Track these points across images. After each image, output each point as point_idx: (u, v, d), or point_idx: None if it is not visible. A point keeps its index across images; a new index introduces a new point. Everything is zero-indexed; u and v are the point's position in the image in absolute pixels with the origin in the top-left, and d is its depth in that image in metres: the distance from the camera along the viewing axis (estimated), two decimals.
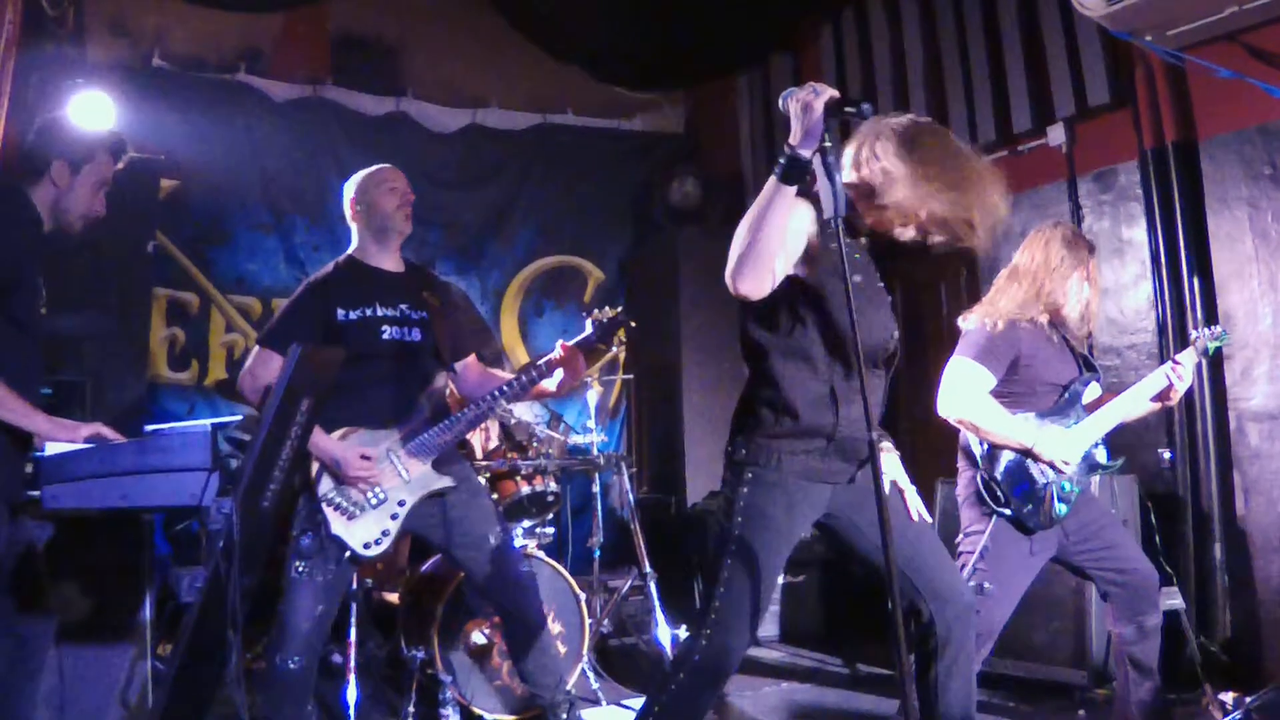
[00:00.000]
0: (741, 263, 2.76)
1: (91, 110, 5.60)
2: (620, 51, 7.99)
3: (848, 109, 2.67)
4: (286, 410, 3.15)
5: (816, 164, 2.70)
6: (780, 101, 2.75)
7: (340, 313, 3.97)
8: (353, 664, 4.62)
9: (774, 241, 2.76)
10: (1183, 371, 4.14)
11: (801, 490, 3.03)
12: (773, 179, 2.73)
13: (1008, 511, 3.87)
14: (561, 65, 8.19)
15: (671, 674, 3.07)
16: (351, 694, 4.58)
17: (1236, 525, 5.25)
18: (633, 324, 4.24)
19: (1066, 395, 4.02)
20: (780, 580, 6.62)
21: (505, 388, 4.04)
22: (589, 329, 4.18)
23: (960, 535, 4.04)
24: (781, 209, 2.74)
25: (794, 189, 2.72)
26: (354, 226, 4.18)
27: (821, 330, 2.99)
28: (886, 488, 3.13)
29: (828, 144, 2.67)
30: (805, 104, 2.68)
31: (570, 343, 4.09)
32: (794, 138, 2.69)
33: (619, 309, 4.20)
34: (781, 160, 2.71)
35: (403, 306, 4.08)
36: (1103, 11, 5.06)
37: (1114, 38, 5.45)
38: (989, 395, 3.93)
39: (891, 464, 3.27)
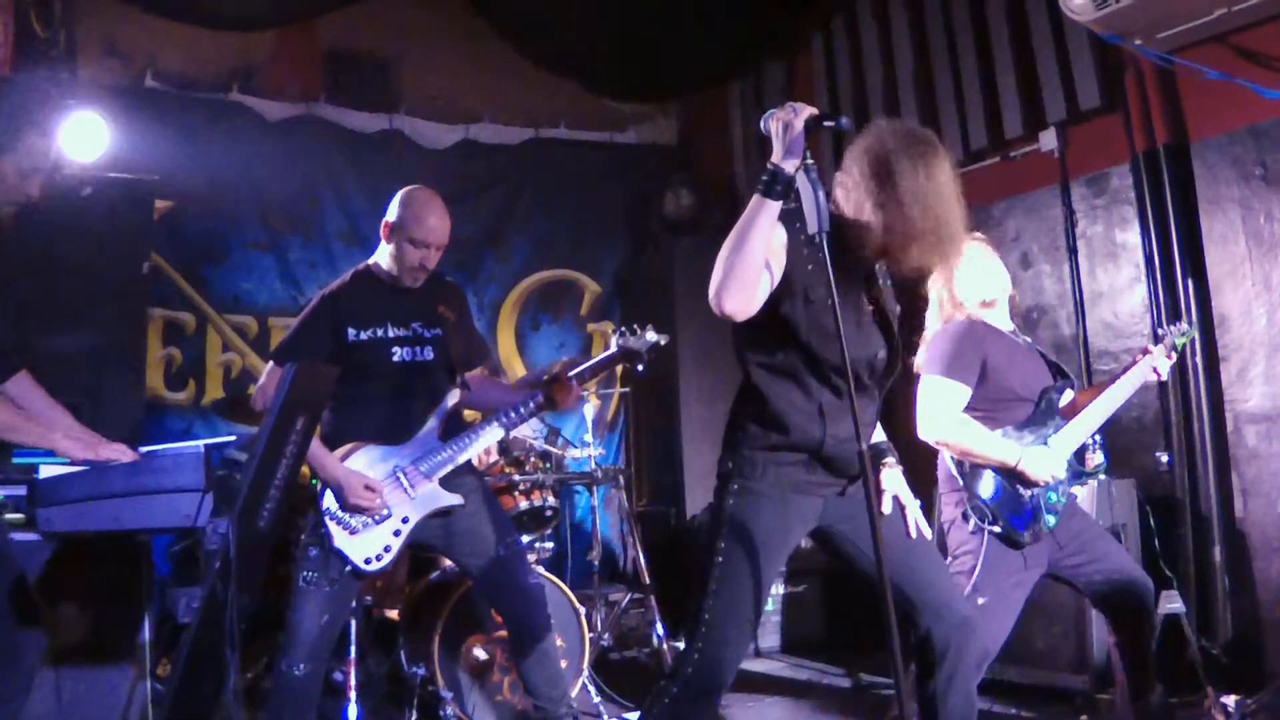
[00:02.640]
0: (727, 281, 2.76)
1: (84, 131, 5.60)
2: (612, 64, 8.00)
3: (826, 124, 2.72)
4: (281, 429, 3.15)
5: (800, 180, 2.72)
6: (761, 123, 2.79)
7: (351, 332, 3.97)
8: (353, 681, 4.61)
9: (759, 258, 2.77)
10: (1161, 367, 4.16)
11: (789, 501, 3.04)
12: (756, 195, 2.76)
13: (998, 529, 3.84)
14: (554, 79, 8.19)
15: (665, 687, 3.06)
16: (352, 712, 4.57)
17: (1235, 527, 5.24)
18: (663, 342, 4.24)
19: (1043, 405, 4.00)
20: (781, 591, 6.62)
21: (512, 414, 4.08)
22: (613, 347, 4.19)
23: (949, 558, 4.01)
24: (766, 225, 2.76)
25: (778, 204, 2.75)
26: (382, 241, 4.15)
27: (805, 348, 2.99)
28: (887, 503, 3.15)
29: (809, 160, 2.71)
30: (785, 122, 2.73)
31: (599, 359, 4.14)
32: (776, 155, 2.74)
33: (649, 327, 4.19)
34: (764, 176, 2.74)
35: (415, 325, 4.07)
36: (1092, 16, 5.06)
37: (1104, 42, 5.46)
38: (966, 414, 3.91)
39: (893, 478, 3.26)
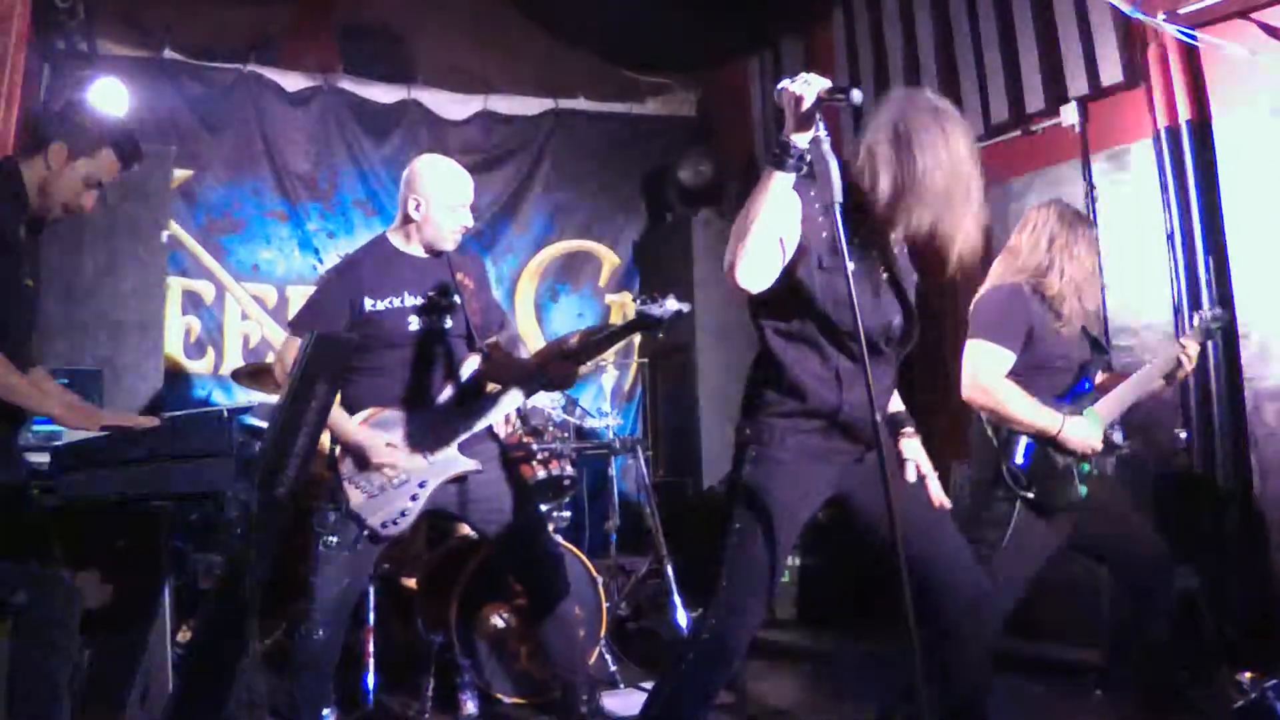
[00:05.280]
0: (741, 254, 2.79)
1: (104, 102, 5.62)
2: (631, 35, 7.97)
3: (837, 96, 2.71)
4: (301, 396, 3.17)
5: (814, 151, 2.71)
6: (775, 95, 2.79)
7: (368, 301, 4.00)
8: (371, 649, 4.65)
9: (772, 230, 2.79)
10: (1191, 352, 4.12)
11: (806, 468, 3.06)
12: (768, 168, 2.77)
13: (1031, 495, 3.86)
14: (572, 50, 8.17)
15: (682, 654, 3.09)
16: (370, 678, 4.61)
17: (1252, 504, 5.23)
18: (685, 310, 4.25)
19: (1082, 377, 4.02)
20: (797, 561, 6.63)
21: (527, 386, 4.11)
22: (634, 314, 4.22)
23: (975, 523, 4.03)
24: (778, 197, 2.77)
25: (791, 177, 2.76)
26: (402, 211, 4.15)
27: (821, 315, 3.00)
28: (910, 472, 3.16)
29: (822, 133, 2.70)
30: (797, 95, 2.72)
31: (620, 326, 4.18)
32: (788, 127, 2.74)
33: (670, 295, 4.21)
34: (776, 150, 2.75)
35: (432, 293, 4.09)
36: None
37: (1127, 16, 5.42)
38: (1009, 380, 3.92)
39: (913, 449, 3.28)
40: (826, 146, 2.72)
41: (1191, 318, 4.35)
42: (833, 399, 3.02)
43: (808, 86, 2.71)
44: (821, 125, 2.73)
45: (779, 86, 2.79)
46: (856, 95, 2.73)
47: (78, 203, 3.47)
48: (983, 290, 4.11)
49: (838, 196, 2.68)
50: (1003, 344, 3.92)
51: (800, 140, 2.73)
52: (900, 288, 3.15)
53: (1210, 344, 5.18)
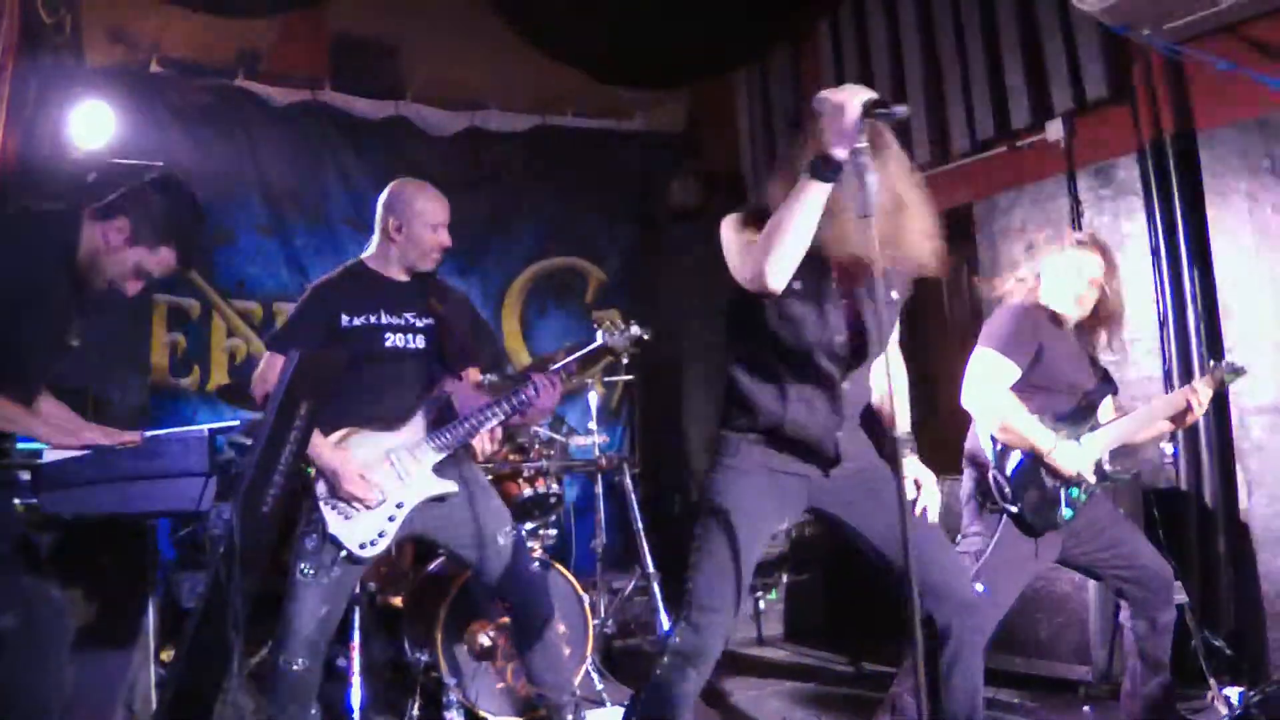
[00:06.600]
0: (773, 260, 2.79)
1: (90, 119, 5.61)
2: (619, 51, 7.97)
3: (880, 110, 2.68)
4: (286, 414, 3.16)
5: (853, 165, 2.68)
6: (814, 103, 2.75)
7: (345, 318, 3.99)
8: (357, 667, 4.63)
9: (805, 238, 2.79)
10: (1202, 397, 4.11)
11: (769, 481, 3.14)
12: (806, 178, 2.75)
13: (1015, 509, 3.87)
14: (560, 66, 8.17)
15: (657, 662, 3.15)
16: (356, 697, 4.59)
17: (1239, 519, 5.24)
18: (646, 337, 4.25)
19: (1085, 403, 4.04)
20: (784, 579, 6.63)
21: (489, 411, 4.06)
22: (600, 339, 4.21)
23: (960, 535, 4.04)
24: (816, 207, 2.77)
25: (829, 187, 2.75)
26: (378, 236, 4.16)
27: (770, 334, 3.07)
28: (910, 488, 3.20)
29: (862, 144, 2.67)
30: (840, 105, 2.68)
31: (577, 354, 4.15)
32: (828, 139, 2.70)
33: (632, 322, 4.22)
34: (816, 161, 2.73)
35: (408, 314, 4.10)
36: (1100, 5, 5.05)
37: (1111, 31, 5.44)
38: (1011, 391, 3.94)
39: (913, 464, 3.29)
40: (863, 159, 2.67)
41: (1205, 366, 4.36)
42: (776, 415, 3.08)
43: (852, 97, 2.69)
44: (862, 138, 2.68)
45: (819, 96, 2.76)
46: (900, 110, 2.71)
47: (122, 284, 3.39)
48: (999, 307, 4.15)
49: (872, 210, 2.64)
50: (1009, 355, 3.97)
51: (839, 151, 2.69)
52: (855, 306, 3.14)
53: (1197, 358, 5.22)
